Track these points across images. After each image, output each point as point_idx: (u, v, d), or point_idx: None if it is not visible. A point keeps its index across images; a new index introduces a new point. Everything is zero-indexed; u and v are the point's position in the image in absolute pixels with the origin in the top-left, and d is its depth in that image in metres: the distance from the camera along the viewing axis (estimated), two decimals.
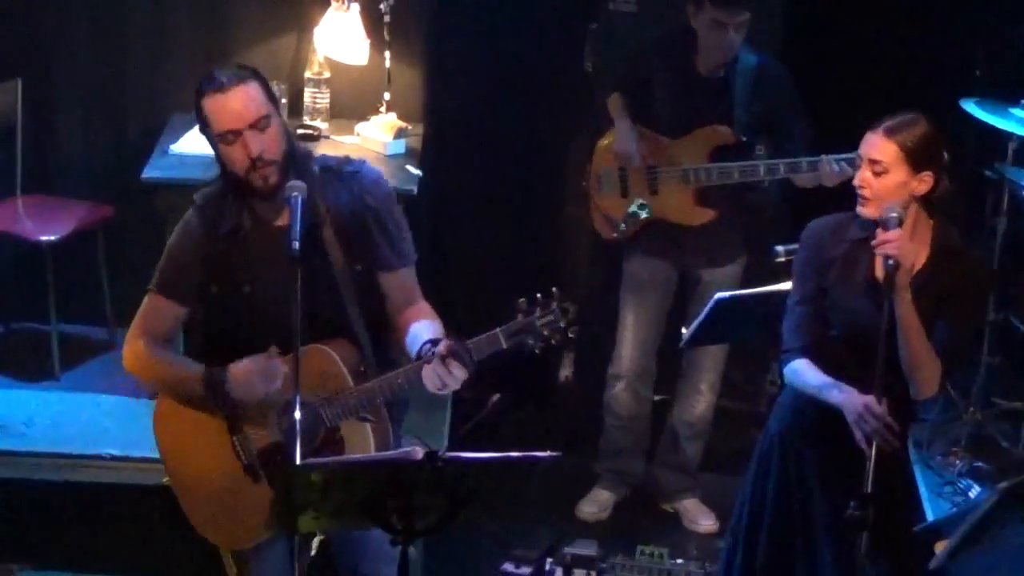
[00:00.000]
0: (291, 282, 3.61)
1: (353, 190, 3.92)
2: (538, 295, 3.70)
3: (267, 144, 3.78)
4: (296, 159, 3.88)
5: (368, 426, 3.83)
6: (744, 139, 5.31)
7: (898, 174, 3.88)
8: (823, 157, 5.09)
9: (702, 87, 5.33)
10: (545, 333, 3.69)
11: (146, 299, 4.02)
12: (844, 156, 5.01)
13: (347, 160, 4.01)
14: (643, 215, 5.39)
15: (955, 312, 3.94)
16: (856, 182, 3.93)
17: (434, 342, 3.78)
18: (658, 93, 5.39)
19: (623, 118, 5.41)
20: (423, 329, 3.88)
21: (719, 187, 5.32)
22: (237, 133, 3.77)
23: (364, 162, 4.03)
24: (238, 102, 3.77)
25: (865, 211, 3.93)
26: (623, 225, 5.43)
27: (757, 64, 5.30)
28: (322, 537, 4.11)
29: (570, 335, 3.71)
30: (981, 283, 4.14)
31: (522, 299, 3.71)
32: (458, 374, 3.70)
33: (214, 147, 3.87)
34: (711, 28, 5.21)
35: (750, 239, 5.52)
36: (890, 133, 3.89)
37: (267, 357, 3.83)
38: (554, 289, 3.72)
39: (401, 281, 3.98)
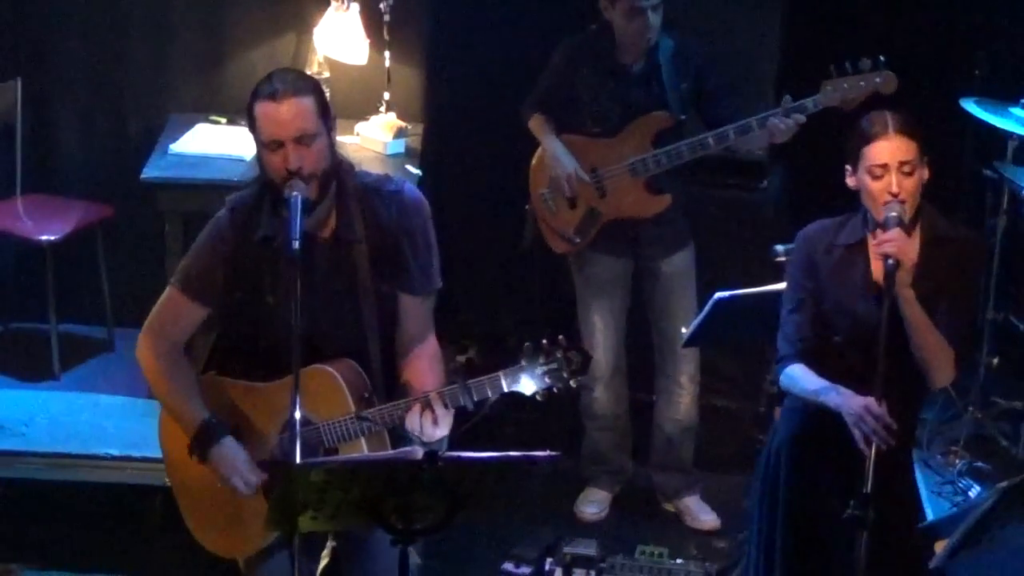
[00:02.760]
0: (292, 282, 3.60)
1: (392, 210, 3.87)
2: (544, 341, 3.68)
3: (307, 159, 3.71)
4: (339, 175, 3.84)
5: (365, 448, 3.80)
6: (683, 117, 5.32)
7: (919, 168, 3.90)
8: (769, 113, 5.08)
9: (629, 79, 5.34)
10: (548, 381, 3.67)
11: (167, 292, 3.95)
12: (791, 106, 5.03)
13: (387, 179, 3.96)
14: (593, 221, 5.40)
15: (955, 293, 3.94)
16: (894, 190, 3.86)
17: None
18: (585, 98, 5.39)
19: (552, 140, 5.41)
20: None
21: (667, 173, 5.33)
22: (280, 144, 3.71)
23: (405, 182, 3.98)
24: (287, 114, 3.70)
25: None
26: (577, 237, 5.45)
27: (675, 44, 5.32)
28: (333, 544, 4.10)
29: (573, 384, 3.68)
30: (975, 258, 4.15)
31: (528, 343, 3.69)
32: (442, 425, 3.71)
33: (258, 150, 3.81)
34: (629, 16, 5.22)
35: (696, 223, 5.55)
36: (904, 131, 3.88)
37: (258, 472, 3.83)
38: (560, 337, 3.70)
39: (420, 307, 3.94)
